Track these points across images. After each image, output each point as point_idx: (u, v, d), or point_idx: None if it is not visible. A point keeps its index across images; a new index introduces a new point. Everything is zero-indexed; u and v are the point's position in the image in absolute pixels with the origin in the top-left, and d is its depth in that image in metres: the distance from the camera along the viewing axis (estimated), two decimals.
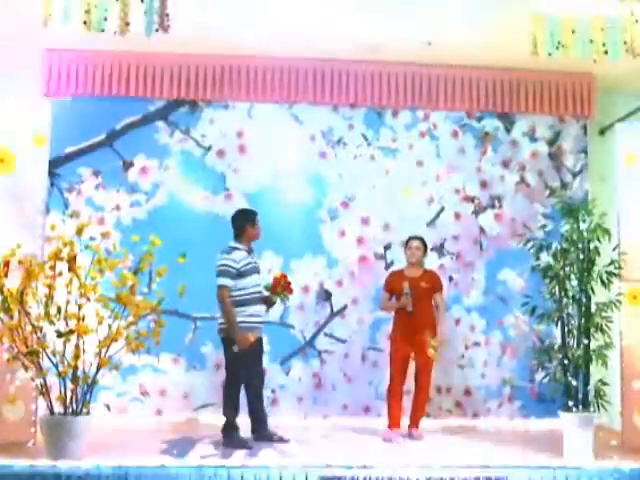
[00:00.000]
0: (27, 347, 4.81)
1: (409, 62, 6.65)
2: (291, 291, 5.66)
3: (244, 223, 5.57)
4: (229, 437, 5.36)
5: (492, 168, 6.95)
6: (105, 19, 4.48)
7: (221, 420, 5.50)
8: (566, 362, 5.16)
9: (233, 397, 5.47)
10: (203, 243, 6.06)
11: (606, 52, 4.97)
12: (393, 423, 5.78)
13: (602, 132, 6.95)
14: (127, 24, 4.51)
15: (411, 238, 6.01)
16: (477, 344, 6.79)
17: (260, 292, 5.53)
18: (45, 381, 4.87)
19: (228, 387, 5.48)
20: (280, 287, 5.56)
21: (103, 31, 4.53)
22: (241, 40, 6.09)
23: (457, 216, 6.88)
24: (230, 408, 5.45)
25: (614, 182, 5.80)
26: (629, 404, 5.40)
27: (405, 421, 5.89)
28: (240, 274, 5.40)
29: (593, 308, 5.22)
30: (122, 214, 6.59)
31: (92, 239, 5.16)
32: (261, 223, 5.74)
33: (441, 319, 5.88)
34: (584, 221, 5.32)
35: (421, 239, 6.00)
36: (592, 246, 5.25)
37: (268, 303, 5.61)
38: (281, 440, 5.48)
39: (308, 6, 5.49)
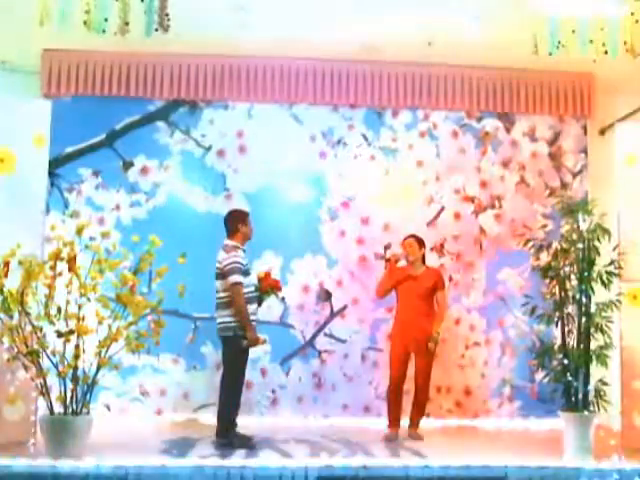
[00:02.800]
0: (27, 347, 4.80)
1: (409, 62, 6.65)
2: (280, 289, 5.70)
3: (236, 222, 5.57)
4: (232, 436, 5.34)
5: (492, 168, 6.95)
6: (105, 19, 4.48)
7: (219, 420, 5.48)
8: (566, 362, 5.15)
9: (238, 395, 5.47)
10: (203, 243, 6.05)
11: (606, 52, 4.97)
12: (393, 423, 5.78)
13: (602, 132, 6.94)
14: (127, 24, 4.50)
15: (405, 238, 6.00)
16: (477, 344, 6.79)
17: (254, 291, 5.55)
18: (45, 381, 4.87)
19: (232, 386, 5.45)
20: (269, 286, 5.59)
21: (104, 32, 4.52)
22: (241, 40, 6.09)
23: (457, 216, 6.88)
24: (235, 407, 5.45)
25: (614, 182, 5.79)
26: (629, 404, 5.39)
27: (405, 421, 5.89)
28: (244, 272, 5.41)
29: (593, 308, 5.22)
30: (122, 214, 6.60)
31: (92, 239, 5.16)
32: (261, 223, 5.76)
33: (440, 316, 5.87)
34: (584, 221, 5.31)
35: (414, 236, 5.98)
36: (592, 246, 5.24)
37: (259, 303, 5.65)
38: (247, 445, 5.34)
39: (308, 6, 5.50)
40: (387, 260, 5.86)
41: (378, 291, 6.03)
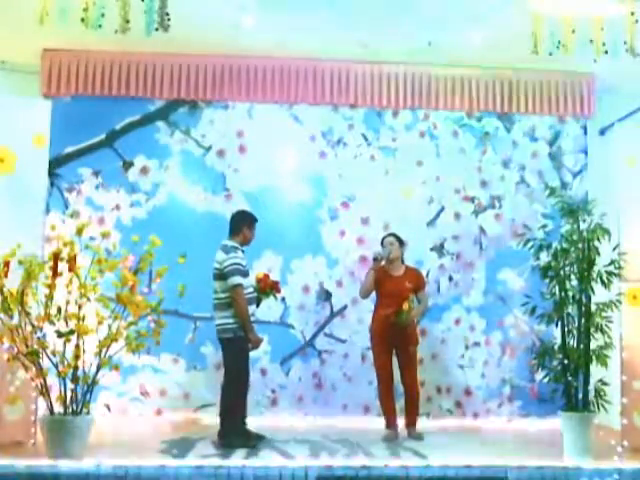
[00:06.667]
0: (27, 347, 4.80)
1: (409, 62, 6.66)
2: (279, 290, 5.70)
3: (242, 224, 5.58)
4: (238, 436, 5.33)
5: (492, 168, 6.95)
6: (102, 15, 4.47)
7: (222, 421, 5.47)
8: (566, 362, 5.15)
9: (244, 395, 5.48)
10: (203, 243, 6.05)
11: (606, 52, 4.97)
12: (391, 421, 5.77)
13: (602, 132, 6.94)
14: (127, 22, 4.49)
15: (384, 237, 5.99)
16: (477, 344, 6.79)
17: (253, 292, 5.55)
18: (45, 381, 4.87)
19: (238, 386, 5.45)
20: (268, 287, 5.60)
21: (100, 27, 4.51)
22: (241, 40, 6.09)
23: (457, 216, 6.88)
24: (241, 407, 5.45)
25: (614, 182, 5.79)
26: (629, 404, 5.39)
27: (403, 421, 5.88)
28: (244, 274, 5.41)
29: (593, 308, 5.22)
30: (122, 214, 6.59)
31: (92, 239, 5.16)
32: (261, 223, 5.75)
33: (418, 309, 5.84)
34: (584, 221, 5.31)
35: (393, 234, 5.97)
36: (592, 246, 5.24)
37: (257, 304, 5.65)
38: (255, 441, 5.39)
39: (308, 6, 5.50)
40: (375, 259, 5.84)
41: (361, 291, 6.00)
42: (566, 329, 5.25)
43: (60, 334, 4.76)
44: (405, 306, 5.61)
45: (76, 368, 4.81)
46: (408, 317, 5.64)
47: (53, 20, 4.50)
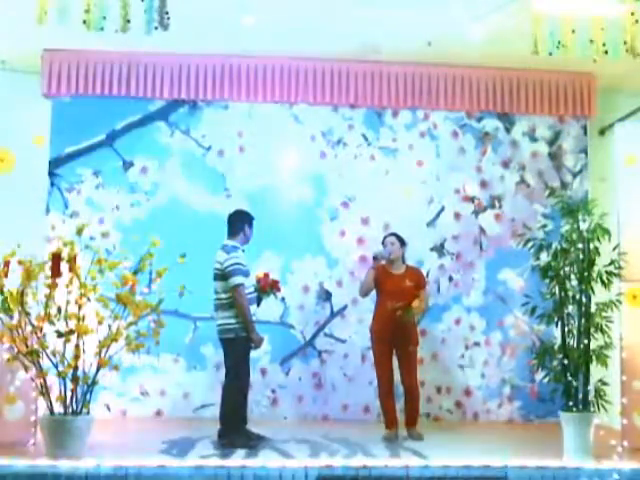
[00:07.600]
0: (27, 347, 4.80)
1: (409, 62, 6.66)
2: (279, 289, 5.70)
3: (243, 224, 5.57)
4: (238, 436, 5.32)
5: (492, 168, 6.96)
6: (104, 18, 4.47)
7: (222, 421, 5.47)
8: (566, 362, 5.15)
9: (245, 395, 5.49)
10: (203, 243, 6.05)
11: (606, 52, 4.97)
12: (391, 422, 5.77)
13: (602, 132, 6.95)
14: (128, 21, 4.49)
15: (385, 236, 5.99)
16: (477, 344, 6.79)
17: (253, 292, 5.55)
18: (45, 381, 4.87)
19: (238, 386, 5.43)
20: (268, 286, 5.59)
21: (102, 29, 4.52)
22: (241, 40, 6.09)
23: (457, 216, 6.88)
24: (242, 407, 5.44)
25: (614, 182, 5.79)
26: (629, 404, 5.39)
27: (403, 421, 5.88)
28: (245, 274, 5.41)
29: (593, 308, 5.21)
30: (122, 214, 6.60)
31: (92, 239, 5.16)
32: (261, 223, 5.75)
33: (421, 307, 5.82)
34: (584, 221, 5.31)
35: (395, 234, 5.96)
36: (592, 246, 5.24)
37: (258, 303, 5.65)
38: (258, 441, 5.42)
39: (308, 6, 5.50)
40: (375, 257, 5.83)
41: (360, 290, 5.98)
42: (566, 329, 5.25)
43: (60, 334, 4.77)
44: (415, 303, 5.62)
45: (76, 368, 4.81)
46: (415, 314, 5.65)
47: (53, 20, 4.49)
